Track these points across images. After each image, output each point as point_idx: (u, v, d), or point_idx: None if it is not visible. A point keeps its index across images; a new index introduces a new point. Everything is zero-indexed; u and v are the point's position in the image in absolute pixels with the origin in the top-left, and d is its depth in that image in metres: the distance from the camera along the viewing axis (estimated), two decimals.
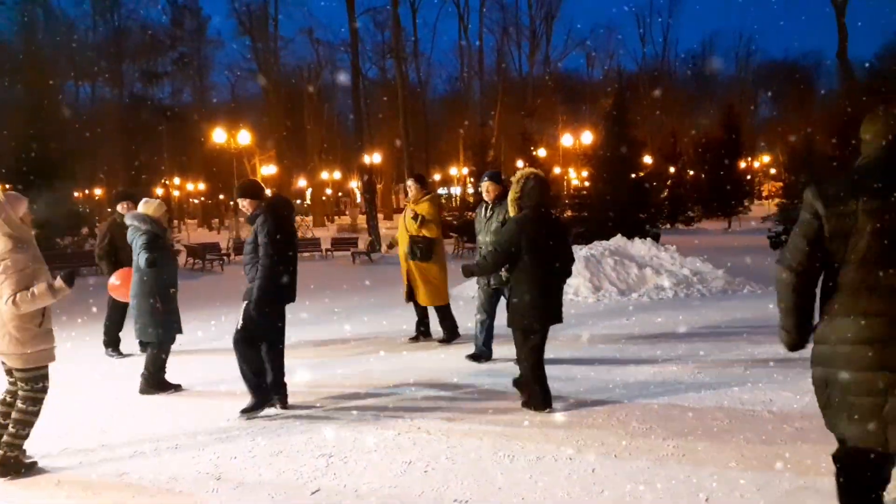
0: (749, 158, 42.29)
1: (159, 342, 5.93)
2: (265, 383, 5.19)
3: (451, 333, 7.57)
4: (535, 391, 5.03)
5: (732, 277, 11.28)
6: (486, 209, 6.63)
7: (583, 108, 50.77)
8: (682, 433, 4.46)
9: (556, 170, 39.56)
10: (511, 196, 5.11)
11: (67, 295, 4.16)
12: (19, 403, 4.16)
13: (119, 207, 7.43)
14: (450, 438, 4.51)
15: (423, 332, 7.79)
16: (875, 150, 2.53)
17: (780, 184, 23.62)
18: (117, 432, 4.92)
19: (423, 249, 7.33)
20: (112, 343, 7.54)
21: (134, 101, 40.46)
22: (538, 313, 4.95)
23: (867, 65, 39.07)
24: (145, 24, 43.07)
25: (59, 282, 4.06)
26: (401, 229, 7.58)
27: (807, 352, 2.67)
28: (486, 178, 6.61)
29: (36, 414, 4.21)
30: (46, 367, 4.22)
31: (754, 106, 57.24)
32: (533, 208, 5.00)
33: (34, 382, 4.16)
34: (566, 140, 36.74)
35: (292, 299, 5.24)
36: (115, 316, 7.51)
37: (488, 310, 6.58)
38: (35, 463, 4.27)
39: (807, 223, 2.49)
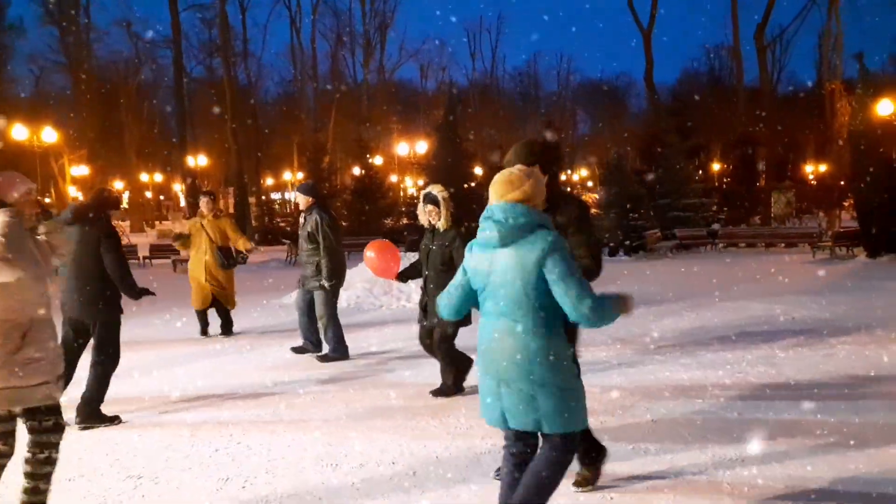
0: (569, 171, 45.28)
1: None
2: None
3: (230, 327, 8.51)
4: (451, 377, 5.47)
5: None
6: (302, 217, 7.16)
7: (417, 118, 51.74)
8: (497, 431, 4.64)
9: (393, 178, 39.96)
10: (448, 210, 5.38)
11: None
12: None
13: None
14: (271, 451, 4.39)
15: (207, 330, 8.46)
16: None
17: (596, 195, 25.51)
18: None
19: (232, 259, 8.31)
20: None
21: None
22: None
23: (670, 87, 43.41)
24: None
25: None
26: (198, 241, 8.21)
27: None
28: (297, 192, 7.31)
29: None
30: None
31: (574, 122, 61.43)
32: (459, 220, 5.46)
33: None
34: (402, 149, 37.21)
35: None
36: None
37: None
38: None
39: None
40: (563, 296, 2.71)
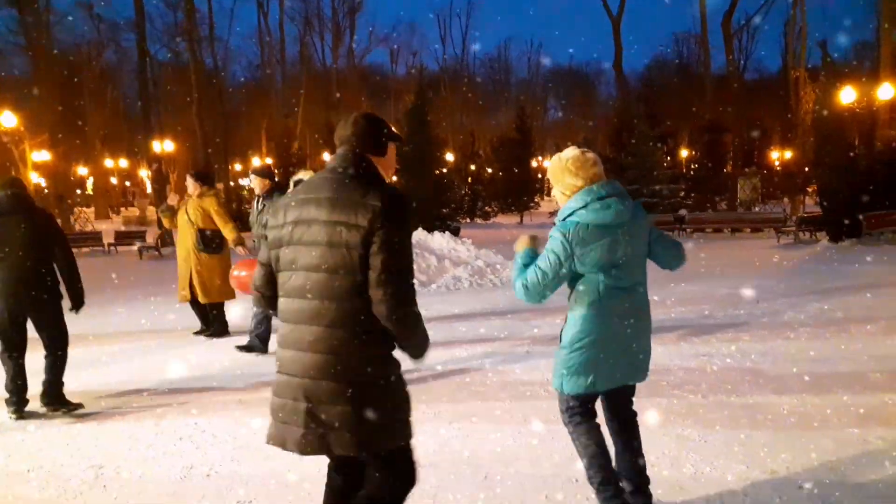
0: (539, 157, 45.46)
1: None
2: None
3: (225, 329, 7.46)
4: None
5: None
6: (258, 202, 6.84)
7: (388, 103, 51.41)
8: (466, 415, 4.67)
9: None
10: None
11: None
12: None
13: None
14: (236, 439, 4.35)
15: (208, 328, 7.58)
16: None
17: None
18: None
19: (217, 243, 7.25)
20: None
21: None
22: None
23: (640, 74, 43.66)
24: None
25: None
26: (183, 224, 7.29)
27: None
28: (252, 175, 6.94)
29: None
30: None
31: (544, 108, 61.57)
32: None
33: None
34: None
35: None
36: None
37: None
38: None
39: None
40: (668, 249, 3.12)
